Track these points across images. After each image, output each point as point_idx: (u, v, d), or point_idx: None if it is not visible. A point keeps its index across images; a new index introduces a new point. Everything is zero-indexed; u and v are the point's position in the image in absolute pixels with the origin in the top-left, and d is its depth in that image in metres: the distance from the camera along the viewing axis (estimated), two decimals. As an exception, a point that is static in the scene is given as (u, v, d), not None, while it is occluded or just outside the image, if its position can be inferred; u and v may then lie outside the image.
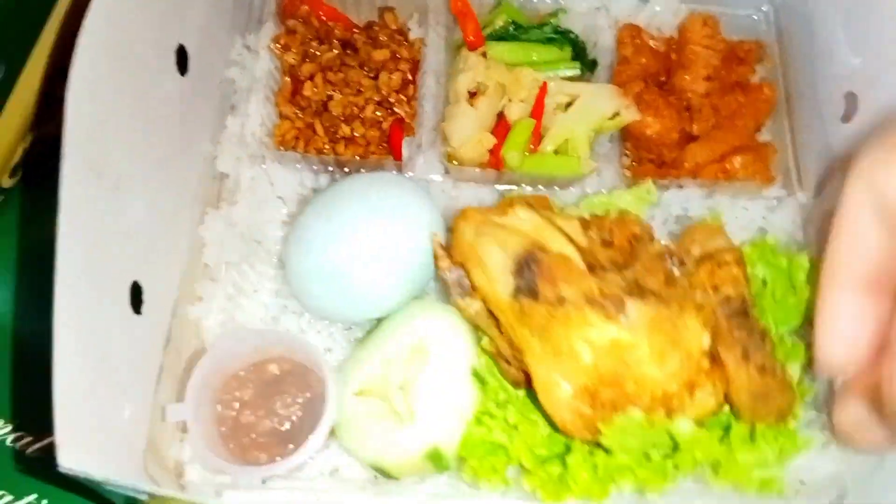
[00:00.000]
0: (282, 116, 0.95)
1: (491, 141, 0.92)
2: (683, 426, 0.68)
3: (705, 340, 0.71)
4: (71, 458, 0.61)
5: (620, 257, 0.74)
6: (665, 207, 0.93)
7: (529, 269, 0.70)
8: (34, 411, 0.87)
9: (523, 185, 0.94)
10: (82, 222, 0.67)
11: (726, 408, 0.74)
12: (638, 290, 0.69)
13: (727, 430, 0.72)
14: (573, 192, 0.94)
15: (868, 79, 0.86)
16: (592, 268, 0.71)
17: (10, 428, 0.86)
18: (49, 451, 0.83)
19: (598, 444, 0.69)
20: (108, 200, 0.72)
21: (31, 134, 0.96)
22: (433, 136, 0.95)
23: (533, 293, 0.69)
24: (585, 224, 0.77)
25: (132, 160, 0.76)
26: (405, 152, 0.95)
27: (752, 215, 0.95)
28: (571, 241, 0.73)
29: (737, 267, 0.73)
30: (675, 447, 0.70)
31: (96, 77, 0.70)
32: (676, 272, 0.74)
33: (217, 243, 0.91)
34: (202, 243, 0.91)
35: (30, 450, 0.85)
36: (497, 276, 0.72)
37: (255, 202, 0.93)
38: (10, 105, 0.90)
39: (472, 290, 0.76)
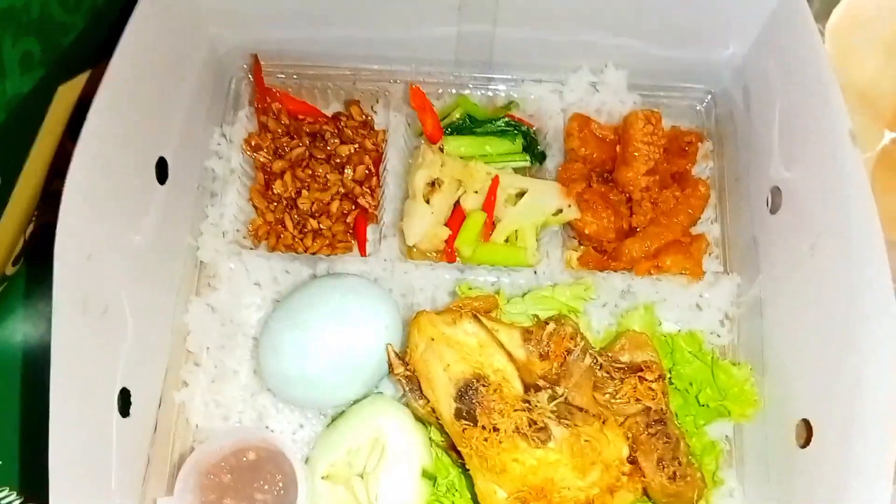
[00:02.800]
0: (256, 210, 1.04)
1: (446, 233, 1.01)
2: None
3: (625, 450, 0.81)
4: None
5: (554, 371, 0.83)
6: (610, 286, 1.02)
7: (469, 398, 0.80)
8: (41, 482, 0.98)
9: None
10: (71, 349, 0.75)
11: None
12: (566, 410, 0.79)
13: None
14: (522, 276, 1.02)
15: (794, 180, 0.94)
16: (527, 388, 0.81)
17: (21, 500, 0.97)
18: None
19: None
20: (96, 326, 0.81)
21: (31, 225, 1.05)
22: (395, 223, 1.03)
23: (472, 418, 0.79)
24: (526, 336, 0.86)
25: (119, 281, 0.85)
26: (369, 238, 1.04)
27: (691, 292, 1.03)
28: (511, 358, 0.83)
29: (657, 383, 0.83)
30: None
31: (84, 204, 0.78)
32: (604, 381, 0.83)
33: (200, 330, 1.00)
34: (186, 330, 1.00)
35: (37, 520, 0.96)
36: (441, 396, 0.82)
37: (234, 289, 1.02)
38: (10, 207, 0.98)
39: (421, 394, 0.86)
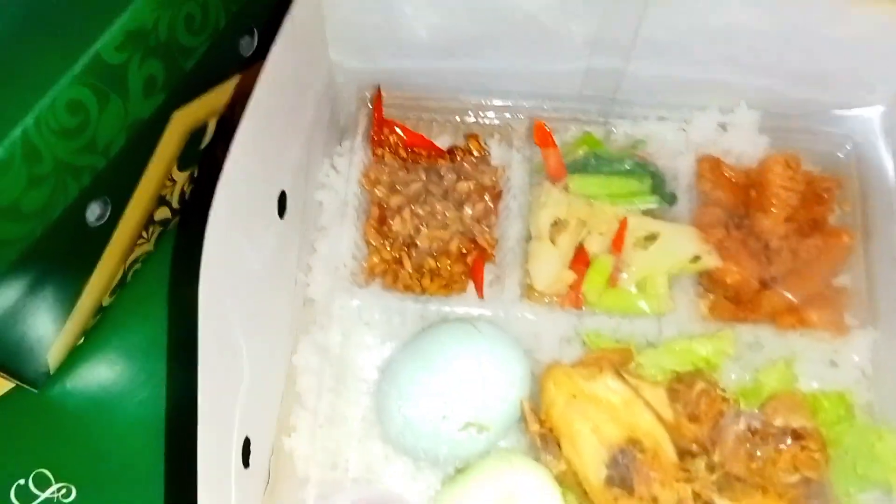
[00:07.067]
0: (369, 246, 0.99)
1: (570, 276, 0.95)
2: None
3: (787, 525, 0.75)
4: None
5: (705, 436, 0.78)
6: (740, 339, 0.96)
7: (624, 465, 0.74)
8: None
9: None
10: (212, 395, 0.71)
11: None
12: (725, 480, 0.74)
13: None
14: (648, 325, 0.96)
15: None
16: (682, 455, 0.75)
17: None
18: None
19: None
20: (229, 370, 0.76)
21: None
22: (512, 264, 0.97)
23: (627, 487, 0.74)
24: (673, 395, 0.81)
25: (245, 323, 0.80)
26: (486, 278, 0.98)
27: (825, 347, 0.96)
28: (660, 419, 0.77)
29: (819, 453, 0.77)
30: None
31: (222, 248, 0.73)
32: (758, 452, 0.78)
33: (309, 371, 0.95)
34: (296, 372, 0.95)
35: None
36: (589, 461, 0.77)
37: (345, 329, 0.97)
38: (115, 236, 0.94)
39: (560, 454, 0.81)
